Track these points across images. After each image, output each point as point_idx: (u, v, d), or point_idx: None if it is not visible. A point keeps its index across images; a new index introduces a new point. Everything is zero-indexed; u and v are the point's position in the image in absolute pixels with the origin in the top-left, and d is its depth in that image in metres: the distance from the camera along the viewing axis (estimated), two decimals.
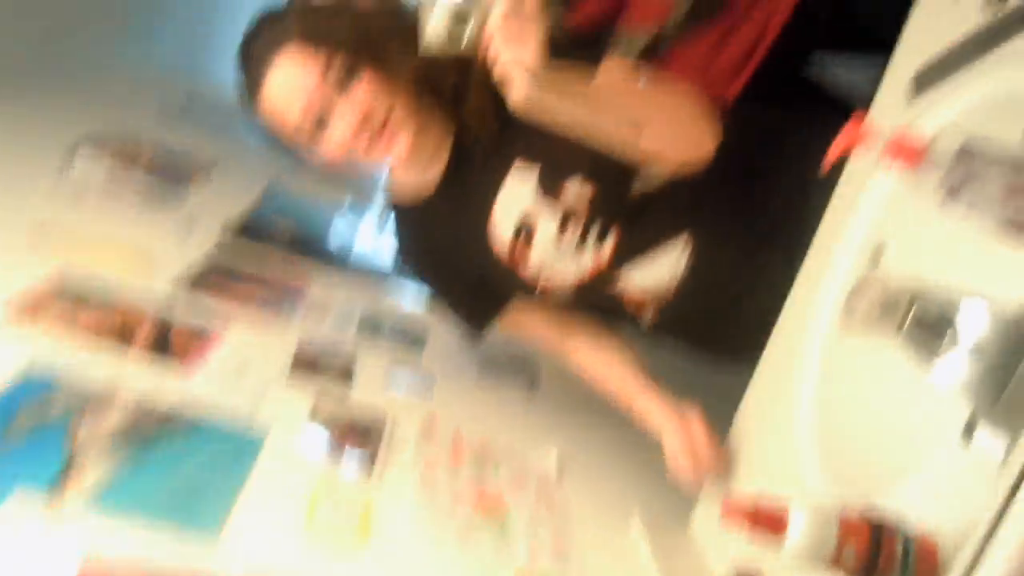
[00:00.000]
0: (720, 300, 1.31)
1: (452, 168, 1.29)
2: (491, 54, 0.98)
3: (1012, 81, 0.87)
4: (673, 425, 1.28)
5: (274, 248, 1.94)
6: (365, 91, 1.16)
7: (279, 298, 1.73)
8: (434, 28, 0.98)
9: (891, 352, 0.85)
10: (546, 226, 1.25)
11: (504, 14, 0.96)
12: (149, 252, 1.71)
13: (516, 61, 0.97)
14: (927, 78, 1.06)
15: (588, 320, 1.45)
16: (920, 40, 1.11)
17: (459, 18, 0.98)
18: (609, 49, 1.70)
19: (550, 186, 1.24)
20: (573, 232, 1.25)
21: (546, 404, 1.72)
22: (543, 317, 1.46)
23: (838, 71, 1.83)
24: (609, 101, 1.09)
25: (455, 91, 1.24)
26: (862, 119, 0.76)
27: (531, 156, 1.25)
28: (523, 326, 1.47)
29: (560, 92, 1.02)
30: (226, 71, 1.28)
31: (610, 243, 1.25)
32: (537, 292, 1.33)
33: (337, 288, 1.89)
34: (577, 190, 1.23)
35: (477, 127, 1.26)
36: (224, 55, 1.30)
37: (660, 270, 1.27)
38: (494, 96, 1.18)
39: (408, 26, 1.15)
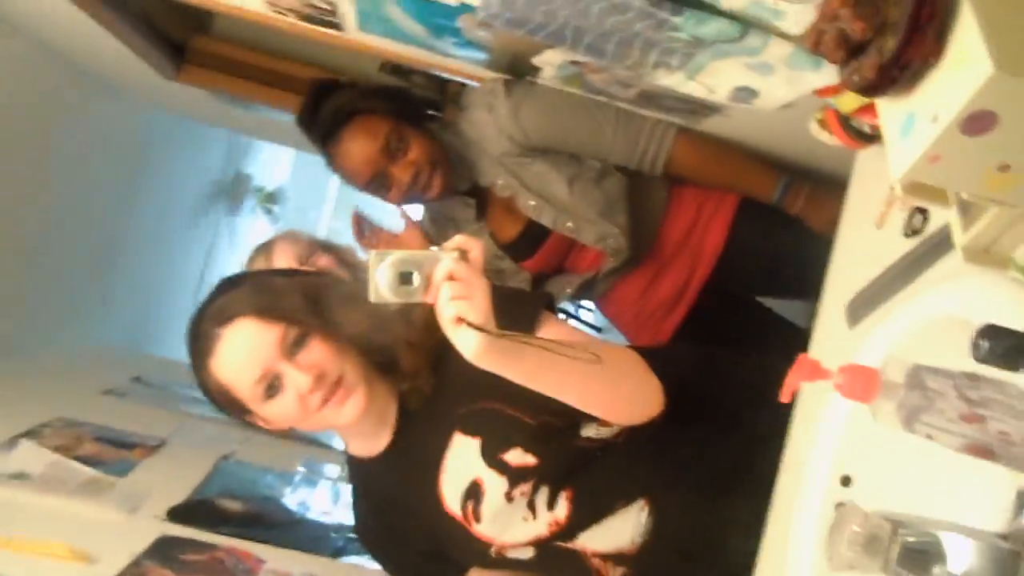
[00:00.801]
0: (689, 555, 1.28)
1: (400, 433, 1.29)
2: (438, 310, 1.00)
3: (945, 304, 0.91)
4: None
5: (223, 530, 1.85)
6: (316, 354, 1.17)
7: None
8: (381, 283, 0.99)
9: None
10: (493, 493, 1.24)
11: (451, 271, 0.99)
12: (90, 542, 1.61)
13: (466, 316, 0.98)
14: (860, 308, 1.11)
15: None
16: (847, 274, 1.18)
17: (405, 274, 0.99)
18: (550, 287, 1.79)
19: (492, 458, 1.24)
20: (520, 498, 1.24)
21: None
22: None
23: (776, 307, 1.92)
24: (557, 357, 1.10)
25: (393, 354, 1.26)
26: (807, 356, 0.78)
27: (470, 431, 1.26)
28: None
29: (509, 348, 1.03)
30: (171, 348, 1.28)
31: (563, 507, 1.24)
32: (493, 553, 1.28)
33: (292, 564, 1.78)
34: (519, 461, 1.23)
35: (413, 388, 1.28)
36: (169, 331, 1.31)
37: (620, 533, 1.25)
38: (429, 356, 1.21)
39: (354, 291, 1.18)
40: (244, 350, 1.16)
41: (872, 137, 1.13)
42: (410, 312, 1.17)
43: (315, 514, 2.11)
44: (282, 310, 1.17)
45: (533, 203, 1.67)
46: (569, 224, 1.67)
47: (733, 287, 1.81)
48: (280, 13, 1.61)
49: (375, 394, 1.24)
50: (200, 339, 1.21)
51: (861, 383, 0.75)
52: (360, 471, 1.36)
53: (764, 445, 1.18)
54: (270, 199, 5.00)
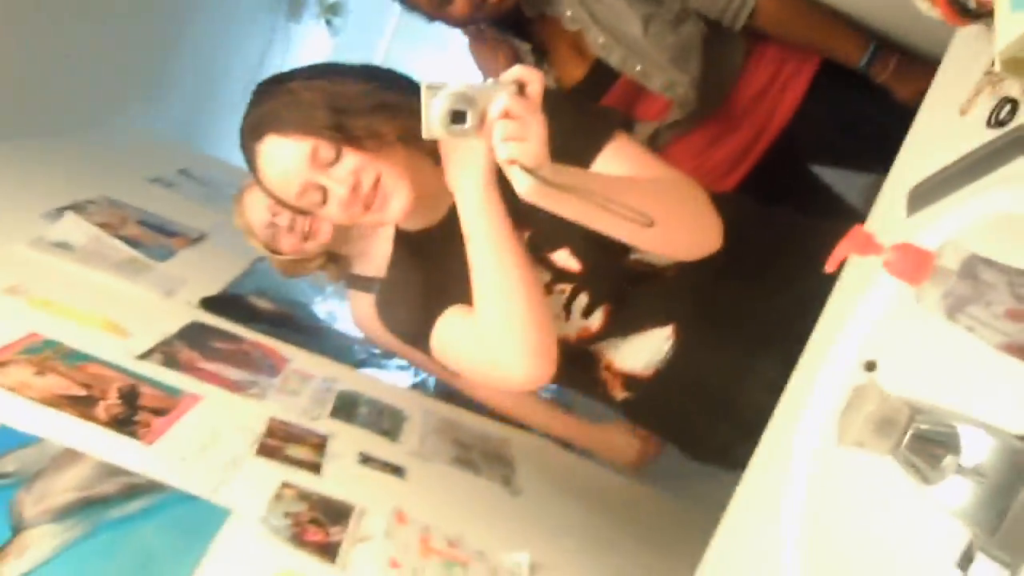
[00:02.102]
0: (697, 397, 1.29)
1: (448, 217, 1.27)
2: (493, 148, 0.97)
3: (1015, 202, 0.86)
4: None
5: (252, 325, 1.91)
6: (351, 163, 1.16)
7: (254, 372, 1.69)
8: (434, 117, 0.96)
9: (886, 469, 0.82)
10: None
11: (506, 108, 0.95)
12: (125, 317, 1.67)
13: (518, 158, 0.96)
14: (924, 196, 1.06)
15: None
16: (918, 158, 1.12)
17: (460, 109, 0.95)
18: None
19: (537, 254, 1.23)
20: (558, 295, 1.24)
21: (520, 503, 1.66)
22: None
23: (835, 182, 1.86)
24: (615, 196, 1.08)
25: None
26: (863, 227, 0.75)
27: (521, 222, 1.23)
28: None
29: (564, 188, 1.00)
30: (220, 146, 1.28)
31: (598, 318, 1.24)
32: None
33: (315, 367, 1.84)
34: (564, 263, 1.22)
35: None
36: (219, 129, 1.31)
37: (639, 352, 1.26)
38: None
39: (394, 104, 1.18)
40: (278, 167, 1.18)
41: (975, 15, 1.04)
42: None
43: (342, 325, 2.17)
44: (307, 125, 1.16)
45: (602, 40, 1.59)
46: (638, 67, 1.59)
47: (801, 154, 1.74)
48: None
49: (424, 177, 1.21)
50: (245, 150, 1.22)
51: (913, 263, 0.72)
52: (404, 240, 1.36)
53: (802, 309, 1.16)
54: (332, 10, 4.86)
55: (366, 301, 1.61)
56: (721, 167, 1.74)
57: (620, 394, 1.31)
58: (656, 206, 1.10)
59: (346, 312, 2.21)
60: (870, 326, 1.02)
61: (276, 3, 4.47)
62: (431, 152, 1.19)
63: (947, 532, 0.78)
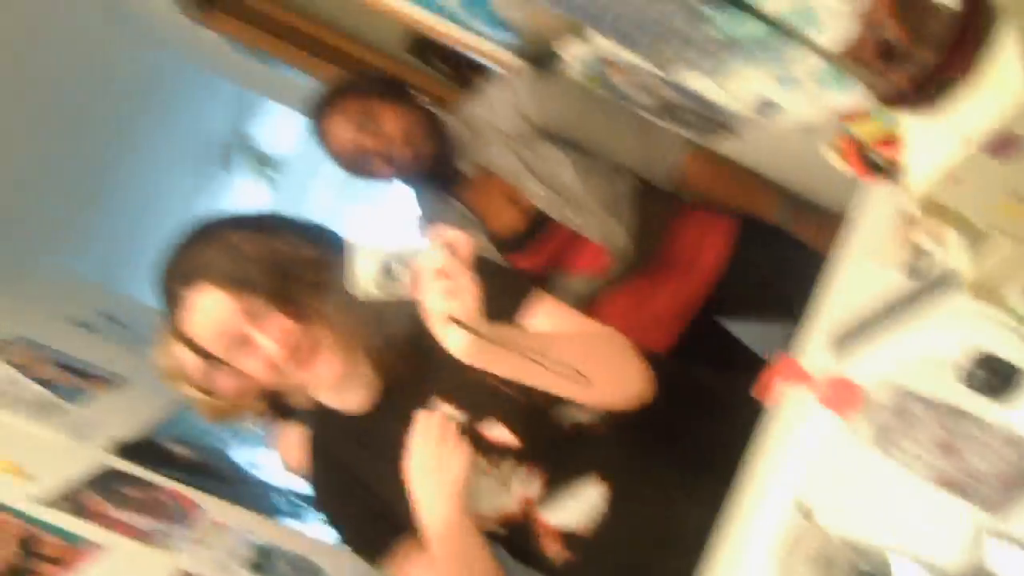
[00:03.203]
0: (638, 548, 1.25)
1: (383, 395, 1.26)
2: (425, 306, 0.97)
3: (938, 342, 0.90)
4: None
5: (168, 472, 1.81)
6: (283, 322, 1.14)
7: (166, 522, 1.59)
8: (365, 275, 0.95)
9: None
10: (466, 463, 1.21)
11: (439, 266, 0.96)
12: (32, 461, 1.57)
13: (452, 315, 0.96)
14: (851, 339, 1.10)
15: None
16: (838, 304, 1.17)
17: (389, 268, 0.95)
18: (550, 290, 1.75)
19: (472, 432, 1.22)
20: (494, 472, 1.21)
21: None
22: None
23: (751, 332, 1.91)
24: (548, 350, 1.08)
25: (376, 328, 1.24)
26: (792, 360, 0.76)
27: (450, 397, 1.23)
28: (419, 566, 1.38)
29: (499, 343, 1.01)
30: (146, 291, 1.26)
31: (536, 483, 1.22)
32: None
33: (231, 517, 1.75)
34: (499, 437, 1.21)
35: (395, 364, 1.25)
36: (146, 275, 1.28)
37: (578, 510, 1.23)
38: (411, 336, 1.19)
39: (331, 268, 1.15)
40: (209, 316, 1.14)
41: (884, 171, 1.12)
42: (386, 314, 1.15)
43: (262, 474, 2.07)
44: (245, 282, 1.13)
45: (540, 191, 1.64)
46: (575, 217, 1.64)
47: (731, 309, 1.79)
48: None
49: (354, 358, 1.21)
50: (167, 293, 1.18)
51: (845, 396, 0.73)
52: (329, 420, 1.32)
53: (730, 459, 1.17)
54: (263, 161, 4.94)
55: (294, 432, 1.55)
56: (657, 320, 1.77)
57: (560, 555, 1.27)
58: (588, 357, 1.11)
59: (267, 460, 2.13)
60: (803, 460, 1.02)
61: (209, 151, 4.53)
62: (364, 334, 1.20)
63: None
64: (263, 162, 5.00)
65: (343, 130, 1.64)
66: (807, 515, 0.99)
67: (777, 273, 1.67)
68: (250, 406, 1.54)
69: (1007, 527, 0.74)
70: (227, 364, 1.20)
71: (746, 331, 1.90)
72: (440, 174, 1.71)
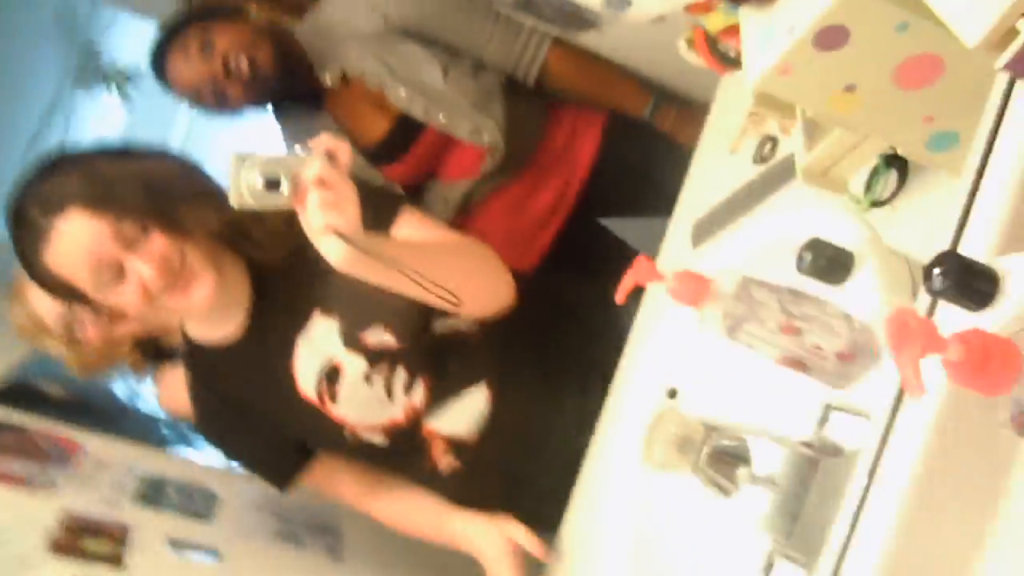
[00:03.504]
0: (519, 452, 1.31)
1: (255, 317, 1.25)
2: (306, 217, 0.95)
3: (782, 226, 0.94)
4: (491, 531, 1.27)
5: (42, 413, 1.75)
6: (158, 243, 1.12)
7: (42, 464, 1.54)
8: (244, 187, 0.93)
9: (695, 487, 0.85)
10: (352, 373, 1.23)
11: (319, 176, 0.94)
12: None
13: (336, 225, 0.95)
14: (706, 228, 1.14)
15: (385, 470, 1.40)
16: (697, 194, 1.20)
17: (271, 179, 0.93)
18: (424, 200, 1.74)
19: (351, 337, 1.23)
20: (378, 379, 1.23)
21: (344, 570, 1.59)
22: (347, 471, 1.39)
23: (631, 229, 1.95)
24: (421, 258, 1.09)
25: (246, 233, 1.21)
26: (648, 258, 0.79)
27: (329, 309, 1.22)
28: (327, 482, 1.40)
29: (377, 254, 1.00)
30: None
31: (420, 392, 1.24)
32: (347, 435, 1.27)
33: (114, 453, 1.71)
34: (379, 340, 1.22)
35: (267, 260, 1.24)
36: None
37: (461, 417, 1.26)
38: (285, 234, 1.18)
39: (203, 184, 1.18)
40: (78, 242, 1.10)
41: (736, 62, 1.14)
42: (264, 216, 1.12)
43: (145, 404, 2.02)
44: (118, 200, 1.10)
45: (404, 93, 1.59)
46: (442, 116, 1.61)
47: (605, 205, 1.82)
48: None
49: (225, 276, 1.19)
50: (28, 226, 1.12)
51: (692, 288, 0.76)
52: (205, 358, 1.31)
53: (604, 349, 1.23)
54: (122, 77, 4.64)
55: (176, 375, 1.51)
56: (534, 224, 1.79)
57: (447, 462, 1.30)
58: (456, 265, 1.12)
59: (150, 390, 2.07)
60: (667, 353, 1.07)
61: (62, 68, 4.22)
62: (231, 237, 1.19)
63: (751, 545, 0.81)
64: (122, 78, 4.68)
65: (184, 66, 1.58)
66: (672, 399, 1.04)
67: (646, 167, 1.70)
68: (120, 354, 1.49)
69: (849, 400, 0.80)
70: (92, 305, 1.16)
71: (623, 228, 1.94)
72: (299, 90, 1.65)
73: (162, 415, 1.96)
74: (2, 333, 2.05)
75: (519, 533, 1.25)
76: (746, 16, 0.75)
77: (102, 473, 1.60)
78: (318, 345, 1.23)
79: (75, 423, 1.75)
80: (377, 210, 1.20)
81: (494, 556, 1.25)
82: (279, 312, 1.25)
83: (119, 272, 1.11)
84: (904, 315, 0.44)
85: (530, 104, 1.72)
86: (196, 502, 1.62)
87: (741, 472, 0.79)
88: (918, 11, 0.61)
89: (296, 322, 1.24)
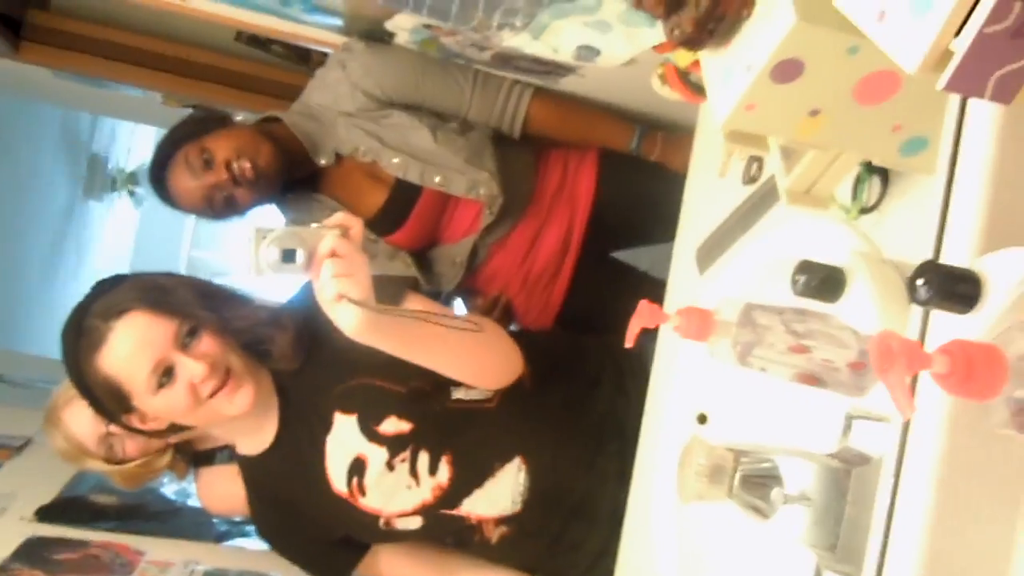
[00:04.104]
0: (566, 508, 1.33)
1: (284, 425, 1.32)
2: (320, 286, 1.00)
3: (777, 246, 0.96)
4: None
5: (98, 525, 1.79)
6: (208, 345, 1.19)
7: (109, 575, 1.58)
8: (262, 258, 1.00)
9: (735, 514, 0.87)
10: (375, 463, 1.27)
11: (333, 247, 0.99)
12: None
13: (348, 292, 0.99)
14: (707, 254, 1.16)
15: (449, 550, 1.42)
16: (695, 220, 1.23)
17: (288, 251, 1.00)
18: (434, 267, 1.77)
19: (369, 431, 1.28)
20: (401, 465, 1.27)
21: None
22: (407, 557, 1.42)
23: (644, 258, 1.97)
24: (428, 327, 1.13)
25: (270, 341, 1.27)
26: (647, 302, 0.81)
27: (347, 408, 1.29)
28: (389, 571, 1.43)
29: (388, 321, 1.05)
30: (25, 342, 1.23)
31: (445, 470, 1.27)
32: (382, 525, 1.30)
33: (173, 553, 1.74)
34: (395, 429, 1.27)
35: (285, 367, 1.30)
36: (22, 325, 1.26)
37: (502, 496, 1.30)
38: (298, 336, 1.26)
39: (237, 293, 1.29)
40: (138, 341, 1.17)
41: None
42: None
43: (195, 500, 2.06)
44: (174, 304, 1.20)
45: (397, 159, 1.63)
46: (437, 178, 1.64)
47: (611, 240, 1.84)
48: None
49: (260, 386, 1.24)
50: (87, 334, 1.20)
51: (697, 324, 0.79)
52: (252, 469, 1.38)
53: (627, 397, 1.25)
54: (132, 180, 4.77)
55: (214, 476, 1.55)
56: (549, 269, 1.80)
57: (497, 533, 1.33)
58: (464, 336, 1.17)
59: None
60: (689, 385, 1.09)
61: (73, 179, 4.34)
62: (259, 352, 1.26)
63: (798, 563, 0.82)
64: (132, 180, 4.82)
65: (189, 183, 1.62)
66: (703, 425, 1.06)
67: (646, 196, 1.73)
68: (162, 465, 1.54)
69: (869, 407, 0.82)
70: (133, 416, 1.21)
71: (636, 258, 1.96)
72: (298, 179, 1.70)
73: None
74: (46, 455, 2.10)
75: None
76: (705, 58, 0.79)
77: (166, 575, 1.63)
78: (343, 443, 1.28)
79: (132, 530, 1.79)
80: (383, 290, 1.24)
81: None
82: (305, 419, 1.31)
83: (170, 374, 1.17)
84: (886, 339, 0.46)
85: (521, 150, 1.76)
86: None
87: (775, 493, 0.80)
88: (865, 34, 0.64)
89: (322, 426, 1.30)
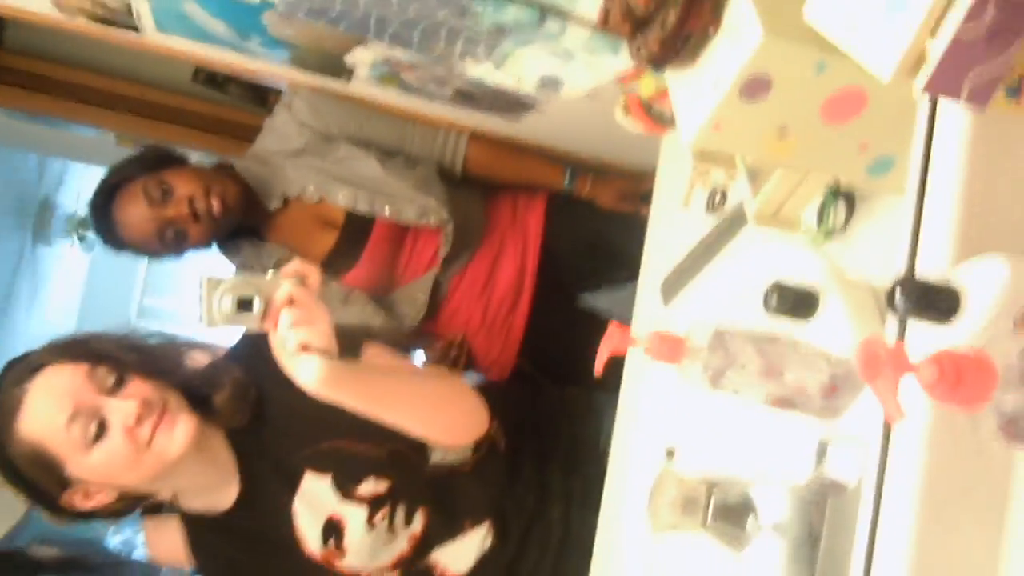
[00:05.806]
0: (536, 556, 1.30)
1: (247, 483, 1.22)
2: (278, 337, 0.96)
3: (745, 270, 0.95)
4: None
5: None
6: (137, 387, 1.09)
7: None
8: (215, 308, 0.95)
9: (710, 546, 0.84)
10: (354, 523, 1.20)
11: (290, 296, 0.95)
12: None
13: (310, 342, 0.95)
14: (672, 285, 1.15)
15: None
16: (660, 252, 1.22)
17: (244, 300, 0.95)
18: (395, 308, 1.74)
19: (346, 490, 1.21)
20: (381, 521, 1.22)
21: None
22: None
23: (604, 300, 1.96)
24: (392, 379, 1.10)
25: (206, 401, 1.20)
26: (621, 326, 0.79)
27: (320, 468, 1.22)
28: None
29: (351, 374, 1.01)
30: None
31: (420, 520, 1.23)
32: None
33: None
34: (373, 489, 1.21)
35: (233, 424, 1.21)
36: None
37: (468, 554, 1.25)
38: (238, 391, 1.18)
39: (171, 344, 1.19)
40: (55, 391, 1.07)
41: (673, 121, 1.17)
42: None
43: (141, 553, 1.97)
44: (93, 350, 1.10)
45: (345, 191, 1.62)
46: (387, 207, 1.63)
47: (566, 272, 1.83)
48: (69, 15, 1.51)
49: (203, 433, 1.16)
50: (2, 406, 1.08)
51: (667, 348, 0.77)
52: (203, 528, 1.26)
53: (596, 449, 1.24)
54: (83, 225, 4.66)
55: (162, 525, 1.46)
56: (506, 302, 1.79)
57: None
58: (429, 387, 1.13)
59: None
60: (656, 415, 1.06)
61: (21, 227, 4.23)
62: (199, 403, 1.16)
63: None
64: (76, 228, 4.71)
65: (141, 214, 1.56)
66: (669, 458, 1.03)
67: (596, 231, 1.75)
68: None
69: (843, 431, 0.80)
70: (74, 504, 1.12)
71: (596, 301, 1.95)
72: (247, 224, 1.67)
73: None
74: None
75: None
76: (672, 78, 0.78)
77: None
78: (314, 503, 1.21)
79: None
80: (339, 340, 1.20)
81: None
82: (267, 479, 1.23)
83: (102, 425, 1.06)
84: (873, 345, 0.44)
85: (470, 190, 1.77)
86: None
87: (749, 523, 0.78)
88: (833, 50, 0.64)
89: (288, 486, 1.22)
